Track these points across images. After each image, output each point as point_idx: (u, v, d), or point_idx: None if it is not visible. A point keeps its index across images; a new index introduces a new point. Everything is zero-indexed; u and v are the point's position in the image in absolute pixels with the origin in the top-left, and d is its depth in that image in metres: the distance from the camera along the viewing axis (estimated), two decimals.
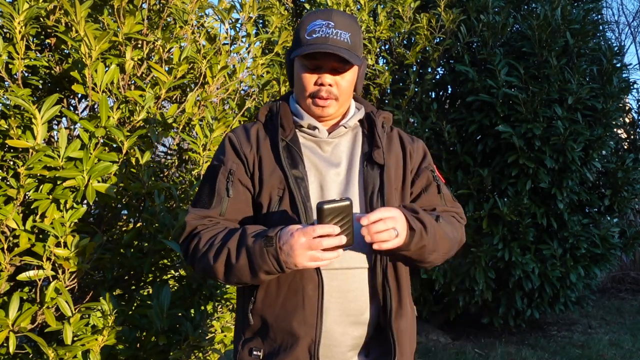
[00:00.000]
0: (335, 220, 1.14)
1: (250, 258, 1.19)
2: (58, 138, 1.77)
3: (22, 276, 1.71)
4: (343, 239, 1.15)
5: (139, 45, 2.18)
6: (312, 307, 1.26)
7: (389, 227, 1.16)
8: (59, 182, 1.73)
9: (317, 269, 1.26)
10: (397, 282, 1.33)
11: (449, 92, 4.97)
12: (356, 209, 1.30)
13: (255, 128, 1.40)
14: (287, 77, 1.43)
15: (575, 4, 4.93)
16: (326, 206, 1.13)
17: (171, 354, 1.91)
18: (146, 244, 2.03)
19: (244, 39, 2.60)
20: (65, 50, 2.08)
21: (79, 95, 2.11)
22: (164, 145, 2.58)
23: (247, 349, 1.32)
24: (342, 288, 1.29)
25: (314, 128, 1.37)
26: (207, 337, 2.10)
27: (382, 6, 4.55)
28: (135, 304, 2.06)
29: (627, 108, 5.29)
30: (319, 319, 1.26)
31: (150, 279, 2.19)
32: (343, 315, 1.30)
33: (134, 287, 2.18)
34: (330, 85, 1.32)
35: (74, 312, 1.73)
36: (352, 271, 1.30)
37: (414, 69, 4.68)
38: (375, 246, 1.17)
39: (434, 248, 1.28)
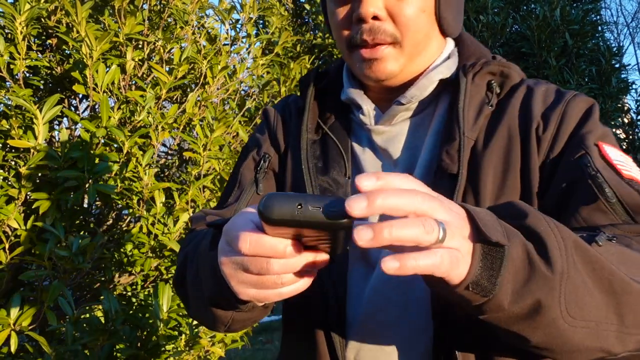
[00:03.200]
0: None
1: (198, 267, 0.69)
2: (59, 138, 1.77)
3: (23, 276, 1.72)
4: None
5: (140, 46, 2.19)
6: None
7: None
8: (59, 182, 1.73)
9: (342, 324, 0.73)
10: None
11: None
12: None
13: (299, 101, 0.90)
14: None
15: (574, 5, 4.95)
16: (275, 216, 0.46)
17: (171, 353, 1.91)
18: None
19: (244, 40, 2.61)
20: (67, 51, 2.08)
21: (80, 96, 2.12)
22: (164, 145, 2.58)
23: None
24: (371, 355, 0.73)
25: (358, 107, 0.82)
26: (207, 337, 2.10)
27: None
28: (135, 304, 2.07)
29: (625, 108, 5.30)
30: None
31: (151, 279, 2.20)
32: None
33: (134, 287, 2.18)
34: (375, 18, 0.73)
35: (74, 312, 1.74)
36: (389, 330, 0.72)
37: None
38: (382, 265, 0.45)
39: (587, 314, 0.52)
